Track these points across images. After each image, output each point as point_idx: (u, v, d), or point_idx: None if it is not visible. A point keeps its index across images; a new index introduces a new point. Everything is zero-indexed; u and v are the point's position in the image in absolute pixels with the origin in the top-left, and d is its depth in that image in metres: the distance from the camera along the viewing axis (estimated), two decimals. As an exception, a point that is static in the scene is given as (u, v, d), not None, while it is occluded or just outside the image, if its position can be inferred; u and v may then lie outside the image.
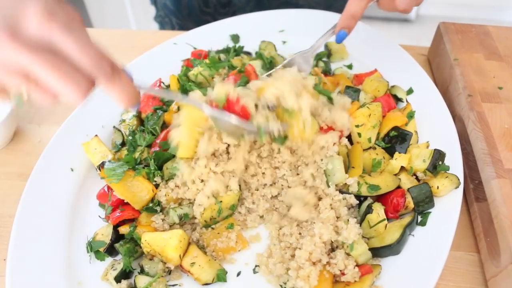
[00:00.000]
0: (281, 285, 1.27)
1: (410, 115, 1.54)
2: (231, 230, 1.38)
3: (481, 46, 1.75)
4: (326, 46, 1.83)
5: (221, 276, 1.29)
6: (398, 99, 1.67)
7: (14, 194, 1.50)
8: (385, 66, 1.76)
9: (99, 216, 1.45)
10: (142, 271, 1.31)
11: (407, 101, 1.64)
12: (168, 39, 1.91)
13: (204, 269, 1.28)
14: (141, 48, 1.92)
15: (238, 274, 1.33)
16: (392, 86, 1.71)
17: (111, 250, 1.36)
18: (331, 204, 1.34)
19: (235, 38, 1.90)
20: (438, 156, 1.41)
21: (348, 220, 1.30)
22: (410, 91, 1.67)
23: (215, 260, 1.34)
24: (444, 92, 1.72)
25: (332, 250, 1.31)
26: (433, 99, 1.62)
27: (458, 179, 1.38)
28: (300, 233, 1.35)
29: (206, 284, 1.29)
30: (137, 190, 1.39)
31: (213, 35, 1.92)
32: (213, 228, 1.39)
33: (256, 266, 1.34)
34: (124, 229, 1.37)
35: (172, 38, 1.91)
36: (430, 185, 1.36)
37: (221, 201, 1.36)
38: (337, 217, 1.34)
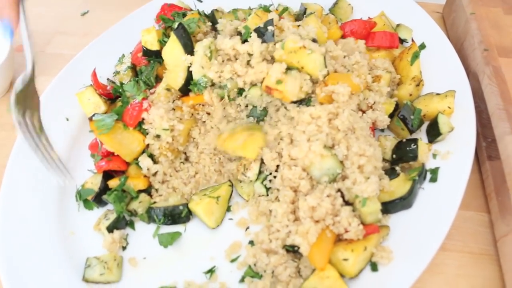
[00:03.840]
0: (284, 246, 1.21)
1: (415, 55, 1.46)
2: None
3: (500, 0, 1.64)
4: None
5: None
6: (402, 41, 1.61)
7: (9, 145, 1.45)
8: (397, 20, 1.67)
9: (88, 170, 1.42)
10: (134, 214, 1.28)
11: (412, 40, 1.55)
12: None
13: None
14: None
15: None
16: (398, 25, 1.64)
17: (99, 200, 1.32)
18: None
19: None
20: None
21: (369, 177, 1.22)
22: (422, 46, 1.58)
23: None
24: (459, 49, 1.62)
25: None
26: (446, 54, 1.54)
27: (454, 91, 1.38)
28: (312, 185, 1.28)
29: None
30: (128, 142, 1.34)
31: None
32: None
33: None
34: (113, 183, 1.32)
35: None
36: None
37: None
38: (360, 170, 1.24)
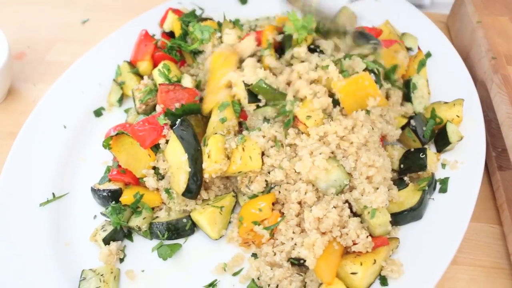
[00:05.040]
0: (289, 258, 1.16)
1: (422, 63, 1.43)
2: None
3: (506, 9, 1.62)
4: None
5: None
6: (407, 50, 1.56)
7: (5, 153, 1.40)
8: (401, 29, 1.65)
9: (83, 177, 1.38)
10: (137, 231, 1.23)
11: (418, 48, 1.53)
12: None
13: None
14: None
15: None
16: (403, 34, 1.61)
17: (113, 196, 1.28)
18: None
19: (243, -2, 1.80)
20: None
21: (378, 188, 1.18)
22: (428, 55, 1.55)
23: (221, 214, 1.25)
24: (465, 58, 1.59)
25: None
26: (452, 62, 1.51)
27: (463, 99, 1.35)
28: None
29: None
30: (137, 158, 1.30)
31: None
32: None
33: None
34: (127, 199, 1.26)
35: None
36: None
37: None
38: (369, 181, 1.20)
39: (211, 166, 1.21)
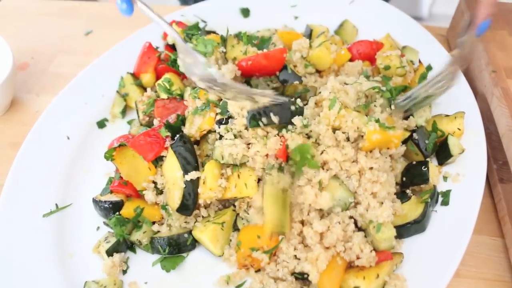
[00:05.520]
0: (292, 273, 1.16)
1: (423, 77, 1.44)
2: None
3: (505, 23, 1.64)
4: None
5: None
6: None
7: (7, 164, 1.41)
8: (402, 43, 1.67)
9: (86, 189, 1.38)
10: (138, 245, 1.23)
11: (420, 62, 1.54)
12: (176, 11, 1.83)
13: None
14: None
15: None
16: (404, 47, 1.62)
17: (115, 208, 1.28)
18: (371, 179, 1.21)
19: (245, 12, 1.82)
20: None
21: (383, 202, 1.18)
22: (429, 68, 1.57)
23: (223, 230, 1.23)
24: (465, 71, 1.60)
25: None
26: (453, 75, 1.52)
27: (464, 112, 1.35)
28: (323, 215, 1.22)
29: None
30: (138, 171, 1.30)
31: (222, 9, 1.83)
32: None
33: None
34: (127, 213, 1.26)
35: (179, 10, 1.83)
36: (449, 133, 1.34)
37: None
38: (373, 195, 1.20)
39: (206, 193, 1.21)
